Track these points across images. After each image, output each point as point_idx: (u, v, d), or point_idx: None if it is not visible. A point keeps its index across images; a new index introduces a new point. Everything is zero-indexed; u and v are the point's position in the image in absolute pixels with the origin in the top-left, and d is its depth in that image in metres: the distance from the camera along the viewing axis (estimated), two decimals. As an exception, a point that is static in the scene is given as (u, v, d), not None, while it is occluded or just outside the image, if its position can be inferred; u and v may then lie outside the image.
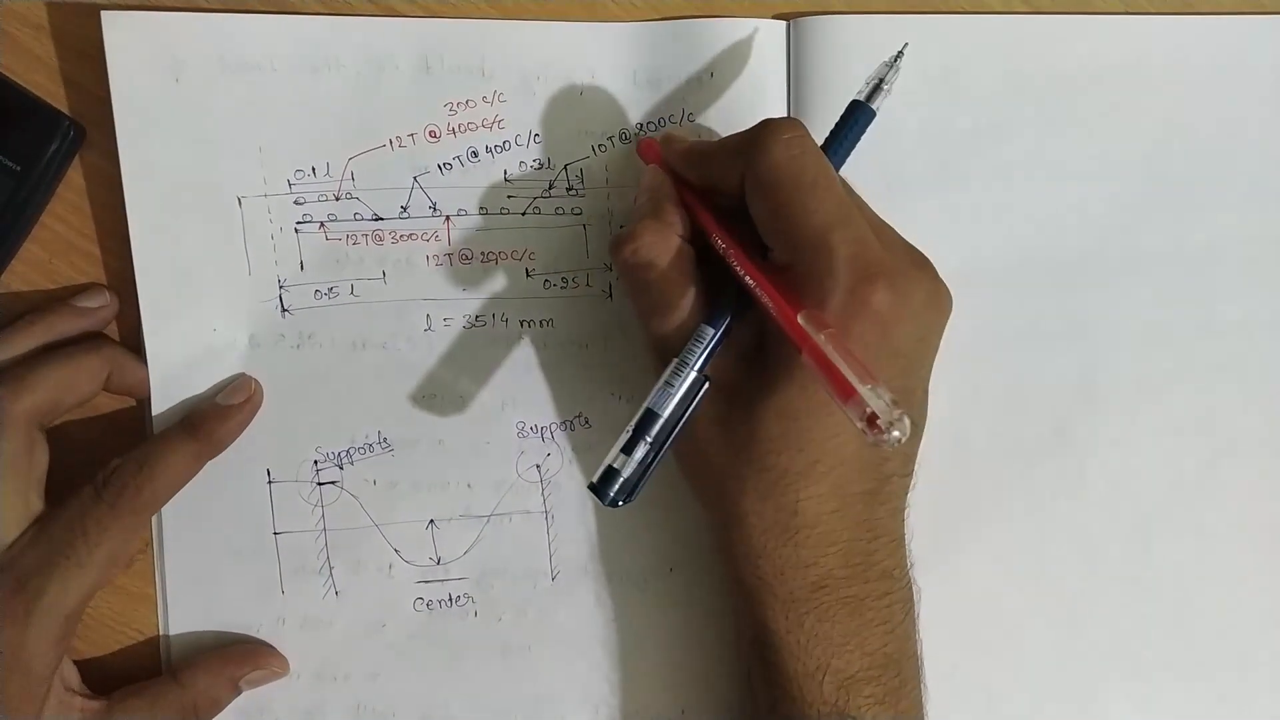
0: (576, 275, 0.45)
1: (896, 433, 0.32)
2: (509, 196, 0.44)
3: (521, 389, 0.45)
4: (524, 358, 0.45)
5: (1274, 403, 0.47)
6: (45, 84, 0.43)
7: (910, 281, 0.37)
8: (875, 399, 0.32)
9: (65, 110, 0.42)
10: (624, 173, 0.44)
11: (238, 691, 0.44)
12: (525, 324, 0.45)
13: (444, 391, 0.45)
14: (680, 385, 0.38)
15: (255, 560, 0.44)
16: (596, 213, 0.44)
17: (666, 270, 0.39)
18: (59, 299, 0.43)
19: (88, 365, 0.41)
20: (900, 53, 0.40)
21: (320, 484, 0.44)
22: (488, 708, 0.46)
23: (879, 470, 0.38)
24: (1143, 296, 0.46)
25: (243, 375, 0.44)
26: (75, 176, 0.43)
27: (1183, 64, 0.45)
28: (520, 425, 0.45)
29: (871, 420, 0.32)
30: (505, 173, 0.44)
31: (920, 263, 0.38)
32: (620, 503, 0.37)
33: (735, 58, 0.44)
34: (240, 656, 0.44)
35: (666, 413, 0.37)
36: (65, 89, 0.43)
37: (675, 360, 0.38)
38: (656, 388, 0.38)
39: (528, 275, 0.45)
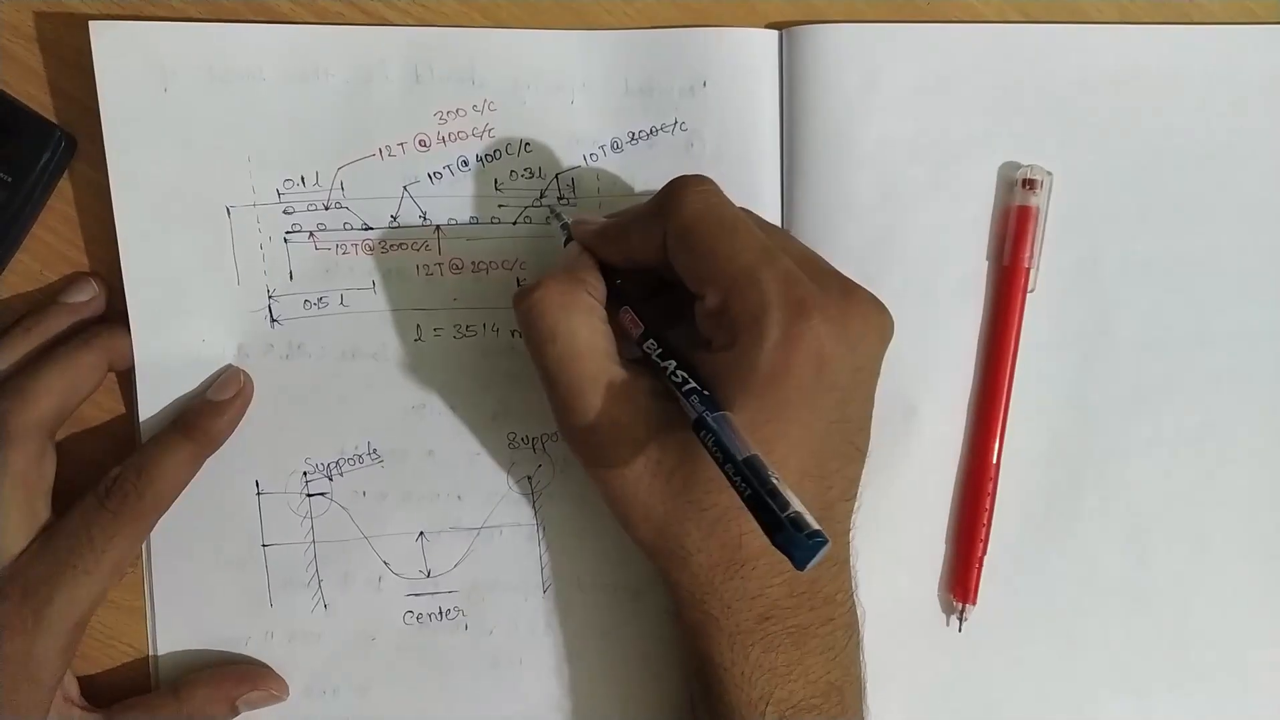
0: (568, 285, 0.44)
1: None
2: (500, 206, 0.44)
3: (513, 400, 0.45)
4: (515, 368, 0.44)
5: (1270, 413, 0.46)
6: (37, 95, 0.43)
7: (843, 311, 0.37)
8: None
9: (56, 121, 0.43)
10: (616, 182, 0.44)
11: (235, 711, 0.43)
12: (516, 334, 0.44)
13: (434, 402, 0.44)
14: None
15: (244, 572, 0.44)
16: (588, 222, 0.44)
17: (574, 325, 0.38)
18: (49, 297, 0.43)
19: (86, 362, 0.42)
20: None
21: (309, 495, 0.44)
22: (479, 722, 0.45)
23: (821, 498, 0.38)
24: (1137, 306, 0.46)
25: (230, 368, 0.43)
26: (66, 187, 0.43)
27: (1177, 73, 0.45)
28: (511, 436, 0.45)
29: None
30: (496, 182, 0.44)
31: (851, 290, 0.38)
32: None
33: (728, 67, 0.44)
34: (239, 675, 0.44)
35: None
36: (57, 100, 0.43)
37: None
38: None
39: (518, 285, 0.44)
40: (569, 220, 0.42)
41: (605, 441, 0.38)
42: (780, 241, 0.39)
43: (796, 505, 0.32)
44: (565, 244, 0.42)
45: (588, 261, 0.40)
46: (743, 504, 0.33)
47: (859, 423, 0.39)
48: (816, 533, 0.31)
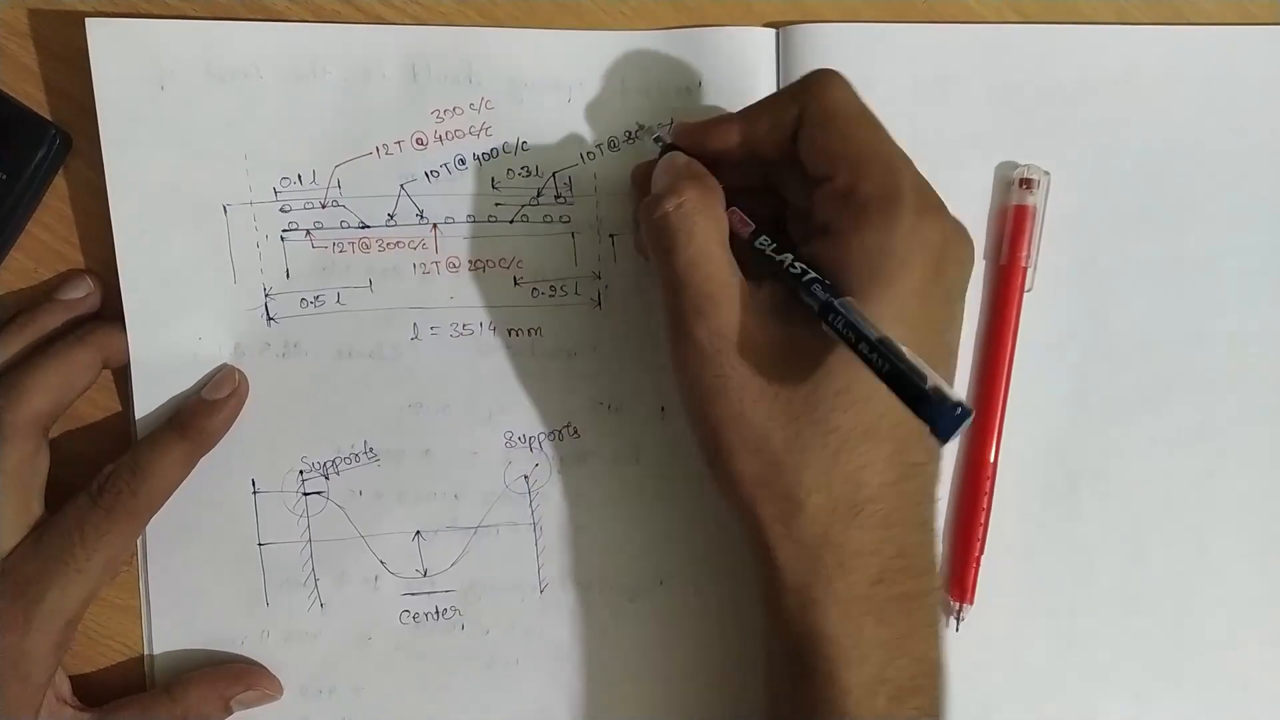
0: (565, 284, 0.44)
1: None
2: (497, 204, 0.44)
3: (509, 398, 0.44)
4: (512, 367, 0.44)
5: (1268, 413, 0.46)
6: (32, 92, 0.43)
7: (957, 225, 0.37)
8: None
9: (52, 119, 0.42)
10: (613, 181, 0.44)
11: (229, 711, 0.43)
12: (513, 333, 0.44)
13: (431, 401, 0.44)
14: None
15: (240, 572, 0.44)
16: (585, 221, 0.44)
17: (710, 230, 0.37)
18: (44, 294, 0.43)
19: (80, 359, 0.41)
20: None
21: (306, 494, 0.44)
22: (474, 722, 0.45)
23: (926, 443, 0.36)
24: (1134, 306, 0.46)
25: (226, 367, 0.43)
26: (62, 184, 0.43)
27: (1174, 74, 0.45)
28: (508, 435, 0.45)
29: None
30: (493, 180, 0.44)
31: (956, 219, 0.38)
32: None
33: (724, 66, 0.44)
34: (234, 675, 0.43)
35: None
36: (52, 97, 0.43)
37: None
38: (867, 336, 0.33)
39: (515, 283, 0.44)
40: (663, 134, 0.43)
41: (729, 350, 0.36)
42: None
43: (936, 379, 0.31)
44: (661, 155, 0.41)
45: (703, 169, 0.39)
46: (880, 389, 0.33)
47: (952, 349, 0.39)
48: (959, 403, 0.31)
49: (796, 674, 0.37)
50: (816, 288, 0.35)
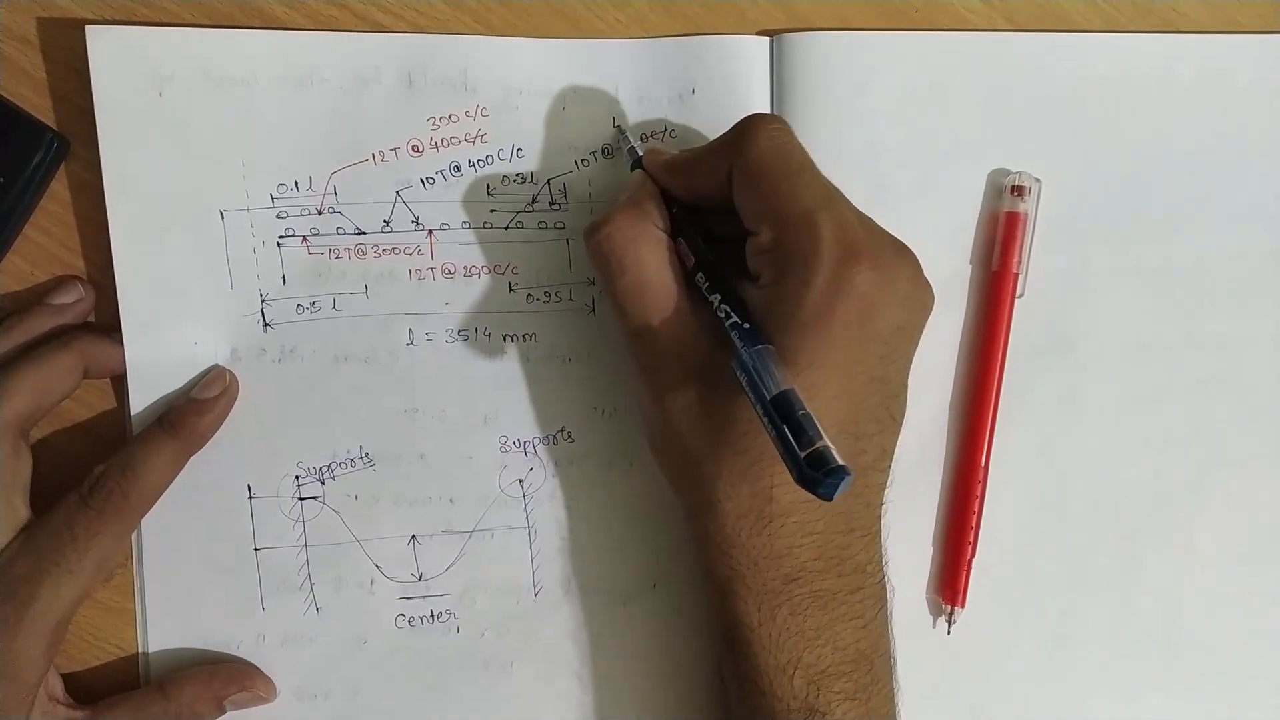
0: (559, 289, 0.45)
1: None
2: (492, 211, 0.44)
3: (504, 403, 0.45)
4: (507, 372, 0.45)
5: (1261, 417, 0.47)
6: (30, 97, 0.43)
7: (894, 267, 0.37)
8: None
9: (50, 123, 0.43)
10: (607, 188, 0.44)
11: (222, 711, 0.43)
12: (508, 338, 0.45)
13: (426, 406, 0.44)
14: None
15: (235, 576, 0.44)
16: (579, 227, 0.44)
17: (643, 256, 0.39)
18: (34, 298, 0.43)
19: (61, 364, 0.41)
20: None
21: (301, 499, 0.44)
22: (469, 725, 0.45)
23: (855, 462, 0.38)
24: (1125, 312, 0.46)
25: (217, 367, 0.43)
26: (59, 189, 0.43)
27: (1164, 81, 0.46)
28: (503, 440, 0.45)
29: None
30: (488, 187, 0.44)
31: (903, 251, 0.39)
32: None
33: (719, 74, 0.44)
34: (228, 675, 0.44)
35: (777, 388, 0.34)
36: (50, 102, 0.43)
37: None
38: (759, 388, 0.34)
39: (510, 289, 0.44)
40: (635, 144, 0.43)
41: (664, 368, 0.39)
42: (839, 194, 0.39)
43: (823, 440, 0.32)
44: (631, 169, 0.42)
45: (652, 191, 0.41)
46: (775, 450, 0.33)
47: (896, 388, 0.39)
48: (836, 468, 0.31)
49: (729, 653, 0.40)
50: (735, 333, 0.37)
